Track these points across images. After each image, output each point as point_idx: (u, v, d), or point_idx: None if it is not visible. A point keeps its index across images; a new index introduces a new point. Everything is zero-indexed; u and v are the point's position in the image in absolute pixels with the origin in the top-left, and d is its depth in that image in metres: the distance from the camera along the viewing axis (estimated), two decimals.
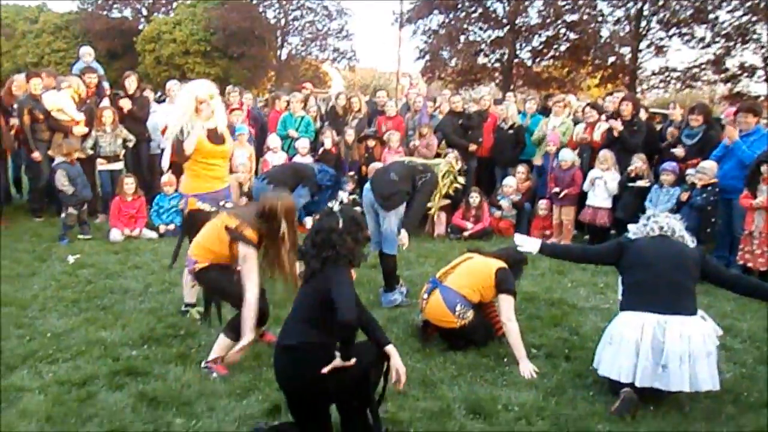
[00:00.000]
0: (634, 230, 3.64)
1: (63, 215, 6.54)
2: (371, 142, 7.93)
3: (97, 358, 3.71)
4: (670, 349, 3.14)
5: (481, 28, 26.99)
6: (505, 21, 26.19)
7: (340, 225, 2.84)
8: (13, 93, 7.43)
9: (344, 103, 8.51)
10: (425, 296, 4.07)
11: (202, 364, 3.52)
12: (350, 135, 8.02)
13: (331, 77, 31.94)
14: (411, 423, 3.10)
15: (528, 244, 3.84)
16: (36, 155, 7.17)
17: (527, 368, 3.66)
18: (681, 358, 3.13)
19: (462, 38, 26.73)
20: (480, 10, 26.44)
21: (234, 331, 3.46)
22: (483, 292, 3.94)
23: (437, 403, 3.28)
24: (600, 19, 24.84)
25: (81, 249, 6.12)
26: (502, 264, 3.96)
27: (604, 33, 24.77)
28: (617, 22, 24.87)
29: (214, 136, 4.27)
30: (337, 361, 2.66)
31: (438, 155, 7.57)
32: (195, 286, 4.27)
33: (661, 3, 22.91)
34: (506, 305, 3.82)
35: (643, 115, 7.43)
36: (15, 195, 8.50)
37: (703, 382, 3.16)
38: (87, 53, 9.10)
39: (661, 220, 3.55)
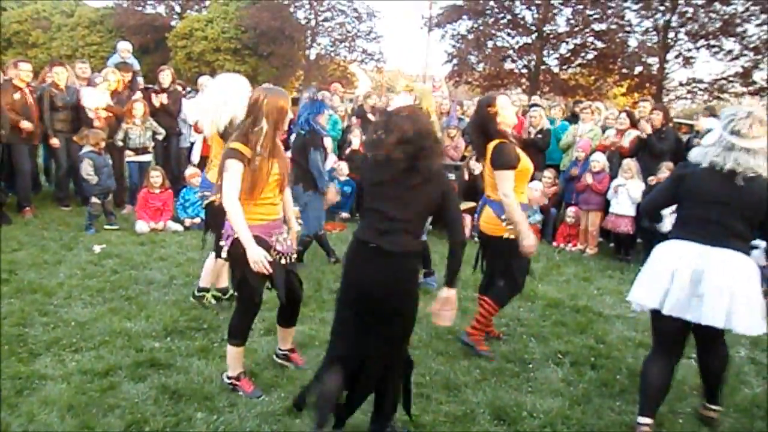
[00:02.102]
0: (699, 153, 3.00)
1: (89, 205, 6.62)
2: None
3: (120, 348, 3.72)
4: (710, 278, 2.78)
5: (509, 34, 27.01)
6: (533, 28, 26.17)
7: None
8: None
9: (374, 103, 8.49)
10: (477, 212, 4.15)
11: (226, 380, 3.33)
12: None
13: (359, 78, 32.01)
14: (434, 426, 3.05)
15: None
16: (54, 141, 7.24)
17: (530, 243, 3.72)
18: (720, 291, 2.76)
19: (490, 43, 26.76)
20: (509, 17, 26.50)
21: (236, 335, 3.25)
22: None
23: (461, 408, 3.23)
24: (628, 29, 24.82)
25: (107, 239, 6.18)
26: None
27: (632, 43, 24.73)
28: (645, 32, 24.77)
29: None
30: (446, 292, 2.78)
31: (464, 158, 7.54)
32: (222, 269, 4.36)
33: (689, 15, 22.75)
34: (501, 181, 3.76)
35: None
36: (44, 183, 8.62)
37: (739, 323, 2.77)
38: (125, 48, 9.23)
39: (740, 156, 2.85)
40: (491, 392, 3.40)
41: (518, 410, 3.21)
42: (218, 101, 3.93)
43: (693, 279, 2.82)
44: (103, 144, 6.71)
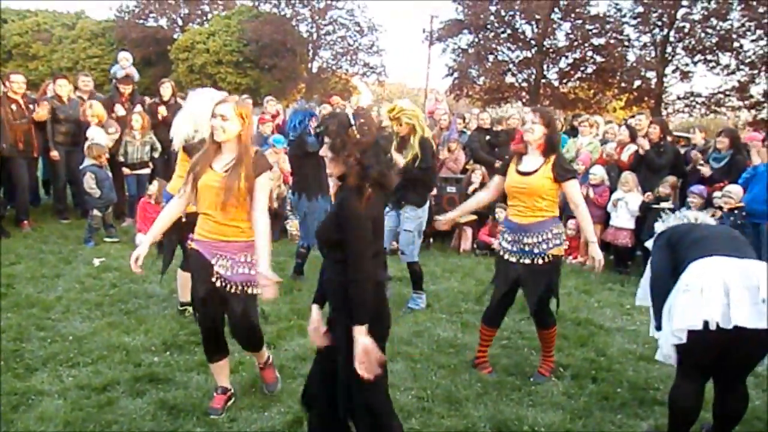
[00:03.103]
0: (663, 225, 3.23)
1: (89, 218, 6.61)
2: None
3: (119, 363, 3.69)
4: (764, 283, 2.64)
5: (509, 48, 27.26)
6: (533, 42, 26.43)
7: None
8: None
9: (376, 116, 8.54)
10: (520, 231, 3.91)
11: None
12: None
13: (360, 91, 32.16)
14: None
15: None
16: (54, 154, 7.24)
17: (598, 253, 3.66)
18: None
19: (491, 57, 26.98)
20: (509, 31, 26.79)
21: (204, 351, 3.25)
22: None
23: (462, 422, 3.21)
24: (627, 43, 25.10)
25: (107, 252, 6.17)
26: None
27: (631, 57, 25.05)
28: (643, 47, 25.08)
29: None
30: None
31: (465, 171, 7.55)
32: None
33: (686, 30, 23.07)
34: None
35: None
36: (43, 196, 8.62)
37: None
38: (124, 58, 9.26)
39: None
40: (492, 406, 3.37)
41: (519, 424, 3.18)
42: (184, 115, 3.95)
43: (747, 286, 2.68)
44: (105, 157, 6.72)
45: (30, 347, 3.83)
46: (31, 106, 7.02)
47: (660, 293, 2.96)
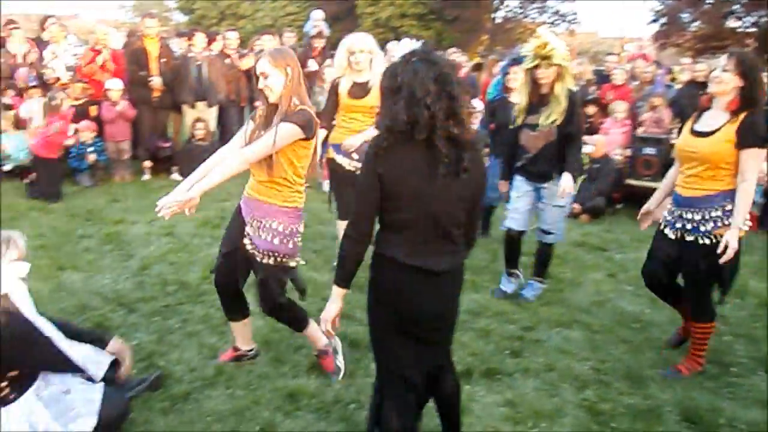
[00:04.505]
0: None
1: None
2: (591, 109, 7.33)
3: (309, 295, 4.01)
4: None
5: None
6: None
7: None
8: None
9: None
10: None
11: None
12: None
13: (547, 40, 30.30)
14: (613, 417, 2.87)
15: None
16: (258, 104, 7.92)
17: (734, 240, 2.85)
18: None
19: None
20: None
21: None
22: None
23: (644, 402, 3.01)
24: None
25: None
26: None
27: None
28: None
29: (358, 90, 4.23)
30: None
31: (670, 131, 6.78)
32: None
33: None
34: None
35: None
36: None
37: None
38: (319, 17, 9.79)
39: None
40: (682, 391, 3.09)
41: (714, 416, 2.88)
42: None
43: None
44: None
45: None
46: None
47: None
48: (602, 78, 8.10)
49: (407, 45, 3.63)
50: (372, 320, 2.26)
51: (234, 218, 3.00)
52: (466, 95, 2.04)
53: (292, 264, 2.91)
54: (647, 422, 2.84)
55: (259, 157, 2.68)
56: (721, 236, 2.91)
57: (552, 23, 30.95)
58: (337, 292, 2.20)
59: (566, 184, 3.75)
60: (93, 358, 2.53)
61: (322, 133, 4.50)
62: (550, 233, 4.09)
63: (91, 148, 6.79)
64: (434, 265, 2.07)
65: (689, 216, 3.05)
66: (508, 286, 4.29)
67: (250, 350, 3.28)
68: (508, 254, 4.31)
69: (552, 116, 3.77)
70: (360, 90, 4.23)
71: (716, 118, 3.00)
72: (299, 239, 2.90)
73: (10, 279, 2.29)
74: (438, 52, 2.47)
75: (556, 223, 4.06)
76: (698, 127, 3.06)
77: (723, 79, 2.94)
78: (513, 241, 4.23)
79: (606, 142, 6.65)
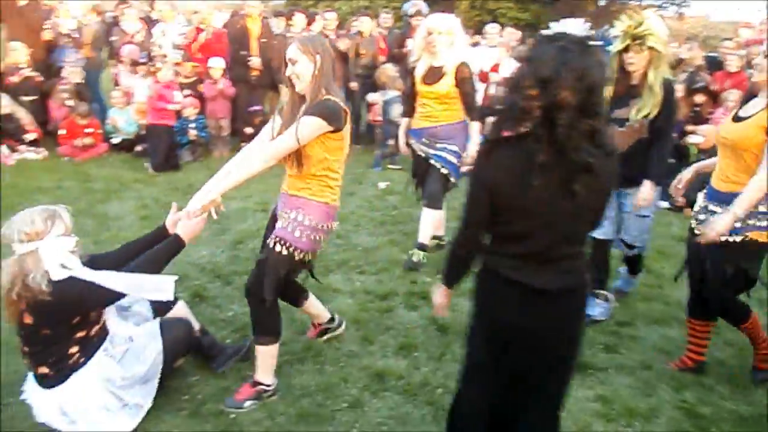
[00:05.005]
0: None
1: (382, 145, 7.23)
2: (700, 98, 6.86)
3: (398, 277, 4.08)
4: None
5: None
6: None
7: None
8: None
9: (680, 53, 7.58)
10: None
11: None
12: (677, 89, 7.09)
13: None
14: (714, 422, 2.72)
15: None
16: (353, 85, 7.98)
17: (721, 224, 2.61)
18: None
19: None
20: None
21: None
22: None
23: (748, 409, 2.82)
24: None
25: (390, 177, 6.72)
26: None
27: None
28: None
29: (431, 75, 4.03)
30: None
31: None
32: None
33: None
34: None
35: None
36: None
37: None
38: None
39: None
40: None
41: None
42: None
43: None
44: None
45: (327, 251, 4.39)
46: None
47: None
48: (714, 64, 7.56)
49: (569, 24, 2.94)
50: (470, 332, 2.09)
51: (270, 218, 2.86)
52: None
53: (297, 258, 2.64)
54: (751, 430, 2.67)
55: (283, 154, 2.52)
56: (754, 240, 2.69)
57: (660, 6, 29.15)
58: (442, 288, 2.13)
59: (645, 194, 3.26)
60: (156, 286, 2.48)
61: (404, 121, 4.49)
62: (633, 246, 3.55)
63: (193, 125, 7.15)
64: (546, 283, 1.81)
65: (718, 211, 2.77)
66: (594, 309, 3.53)
67: (331, 320, 3.26)
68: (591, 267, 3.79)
69: (644, 109, 3.19)
70: (433, 75, 4.03)
71: (757, 105, 2.78)
72: (322, 238, 2.71)
73: (59, 253, 2.36)
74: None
75: (641, 234, 3.52)
76: (741, 113, 2.85)
77: (764, 66, 2.80)
78: (597, 251, 3.49)
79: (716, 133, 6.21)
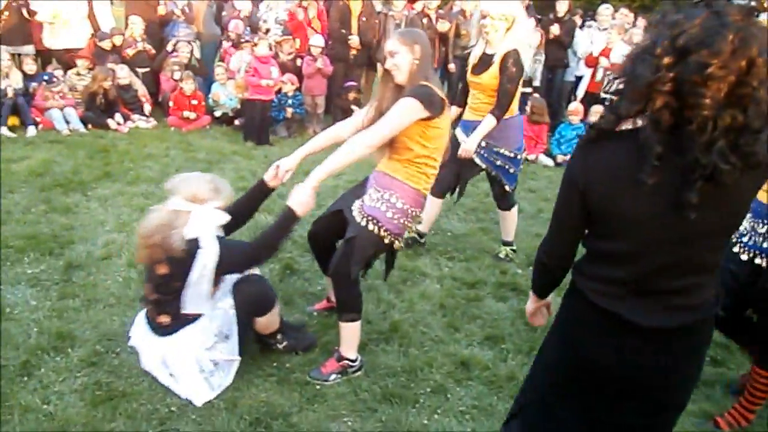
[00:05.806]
0: None
1: None
2: None
3: (487, 266, 3.98)
4: None
5: None
6: None
7: None
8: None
9: None
10: None
11: None
12: None
13: None
14: None
15: None
16: (451, 66, 7.87)
17: None
18: None
19: None
20: None
21: None
22: None
23: None
24: None
25: None
26: None
27: None
28: None
29: (480, 64, 3.69)
30: None
31: None
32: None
33: None
34: None
35: None
36: None
37: None
38: None
39: None
40: None
41: None
42: None
43: None
44: None
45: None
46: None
47: None
48: None
49: None
50: (540, 363, 1.80)
51: (356, 185, 2.92)
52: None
53: (387, 241, 2.63)
54: None
55: (383, 139, 2.51)
56: None
57: None
58: (533, 296, 1.91)
59: None
60: None
61: (452, 110, 3.97)
62: None
63: (291, 101, 7.29)
64: (643, 318, 1.43)
65: (762, 230, 2.37)
66: None
67: None
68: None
69: None
70: (482, 64, 3.71)
71: None
72: (409, 223, 2.66)
73: (209, 223, 2.49)
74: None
75: None
76: None
77: None
78: None
79: None
